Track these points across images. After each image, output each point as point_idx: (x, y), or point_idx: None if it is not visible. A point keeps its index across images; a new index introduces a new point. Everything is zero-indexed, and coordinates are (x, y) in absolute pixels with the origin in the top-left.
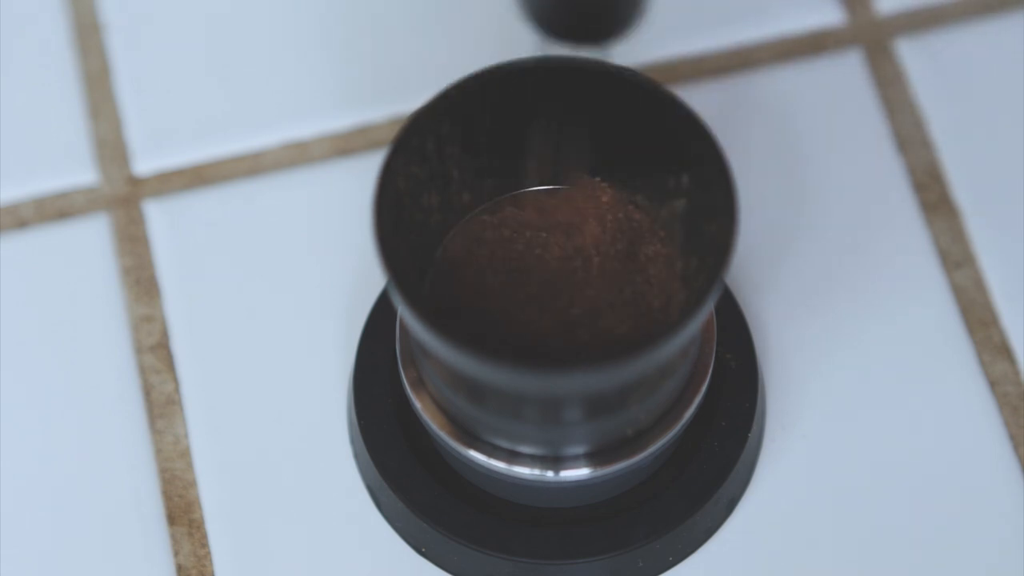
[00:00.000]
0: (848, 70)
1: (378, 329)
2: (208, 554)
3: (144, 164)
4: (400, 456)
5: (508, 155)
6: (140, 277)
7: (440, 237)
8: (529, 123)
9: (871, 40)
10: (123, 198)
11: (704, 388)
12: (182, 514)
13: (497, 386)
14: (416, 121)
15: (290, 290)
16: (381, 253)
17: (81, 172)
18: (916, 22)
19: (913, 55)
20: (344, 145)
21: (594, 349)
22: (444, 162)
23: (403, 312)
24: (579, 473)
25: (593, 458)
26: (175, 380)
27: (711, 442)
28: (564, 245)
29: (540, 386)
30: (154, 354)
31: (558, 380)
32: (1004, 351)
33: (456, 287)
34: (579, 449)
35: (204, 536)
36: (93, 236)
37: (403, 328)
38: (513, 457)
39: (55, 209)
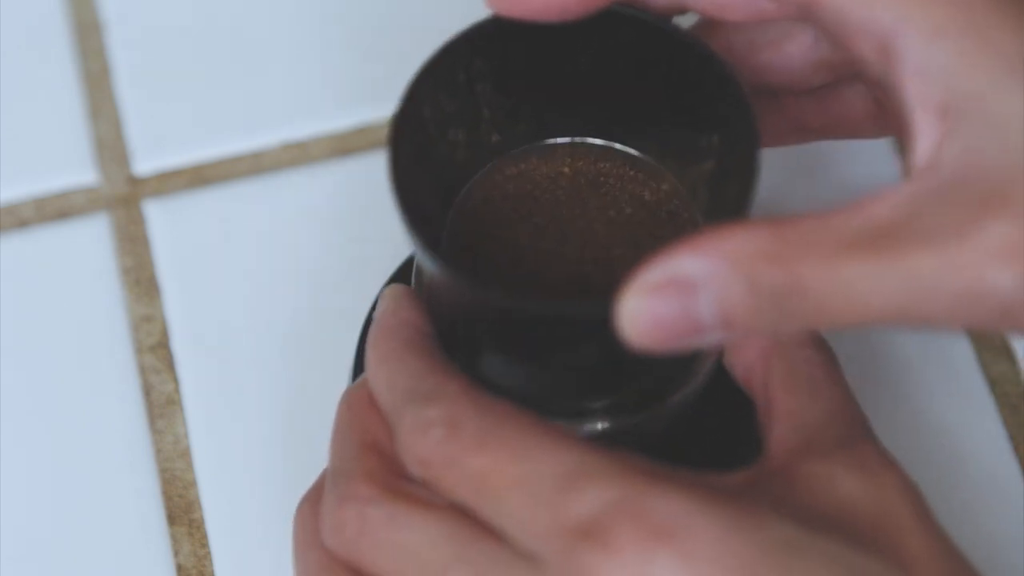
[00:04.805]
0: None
1: None
2: (208, 554)
3: (144, 164)
4: None
5: (540, 102)
6: (140, 277)
7: (465, 175)
8: (566, 70)
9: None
10: (123, 198)
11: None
12: (182, 514)
13: (491, 317)
14: (447, 50)
15: (290, 290)
16: (395, 185)
17: (81, 172)
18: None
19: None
20: (344, 145)
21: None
22: (475, 98)
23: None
24: None
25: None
26: (175, 380)
27: (713, 435)
28: (586, 199)
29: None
30: (154, 354)
31: (568, 308)
32: (1004, 351)
33: (474, 237)
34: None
35: (204, 536)
36: (93, 236)
37: None
38: None
39: (55, 209)
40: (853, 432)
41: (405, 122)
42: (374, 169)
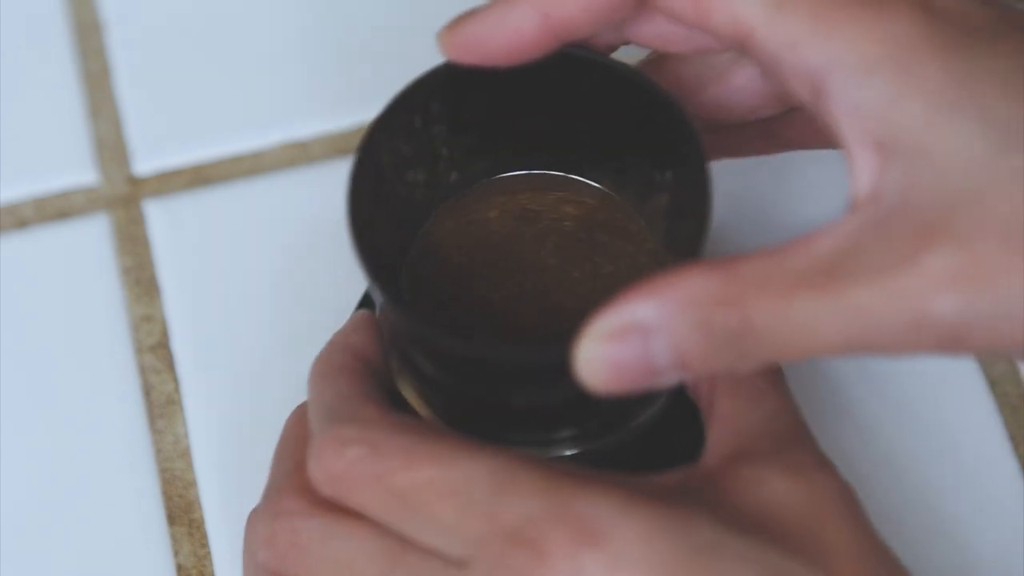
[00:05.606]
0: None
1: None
2: (208, 554)
3: (144, 164)
4: None
5: (497, 139)
6: (140, 277)
7: (426, 213)
8: (521, 108)
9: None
10: (123, 198)
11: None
12: (182, 514)
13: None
14: (401, 99)
15: (290, 290)
16: (355, 241)
17: (81, 172)
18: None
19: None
20: (344, 145)
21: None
22: (433, 139)
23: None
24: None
25: (580, 442)
26: (175, 380)
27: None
28: (545, 233)
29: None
30: (154, 354)
31: (525, 355)
32: None
33: (434, 273)
34: (566, 433)
35: (204, 536)
36: (93, 236)
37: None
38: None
39: (55, 209)
40: (790, 437)
41: (363, 172)
42: None
